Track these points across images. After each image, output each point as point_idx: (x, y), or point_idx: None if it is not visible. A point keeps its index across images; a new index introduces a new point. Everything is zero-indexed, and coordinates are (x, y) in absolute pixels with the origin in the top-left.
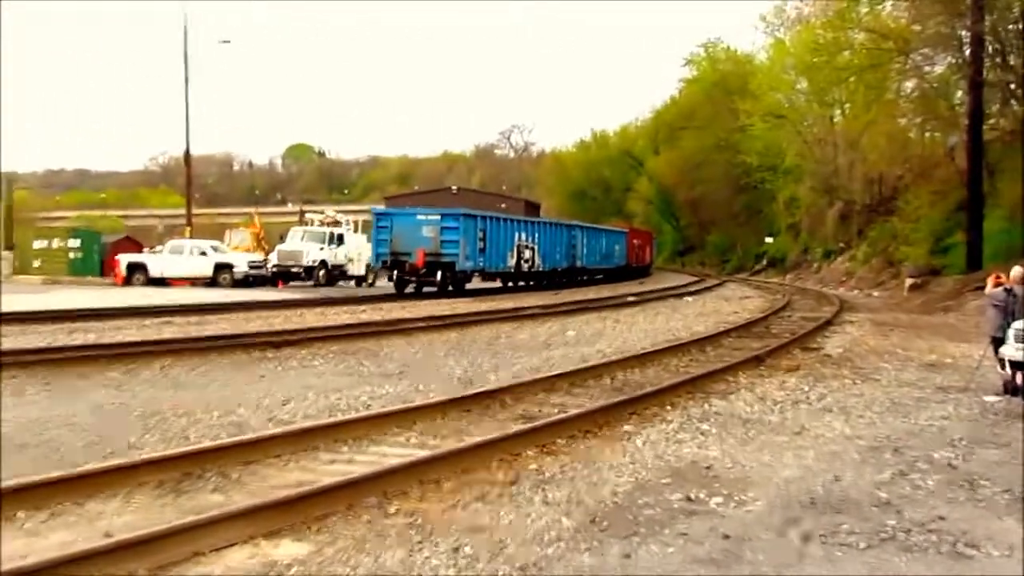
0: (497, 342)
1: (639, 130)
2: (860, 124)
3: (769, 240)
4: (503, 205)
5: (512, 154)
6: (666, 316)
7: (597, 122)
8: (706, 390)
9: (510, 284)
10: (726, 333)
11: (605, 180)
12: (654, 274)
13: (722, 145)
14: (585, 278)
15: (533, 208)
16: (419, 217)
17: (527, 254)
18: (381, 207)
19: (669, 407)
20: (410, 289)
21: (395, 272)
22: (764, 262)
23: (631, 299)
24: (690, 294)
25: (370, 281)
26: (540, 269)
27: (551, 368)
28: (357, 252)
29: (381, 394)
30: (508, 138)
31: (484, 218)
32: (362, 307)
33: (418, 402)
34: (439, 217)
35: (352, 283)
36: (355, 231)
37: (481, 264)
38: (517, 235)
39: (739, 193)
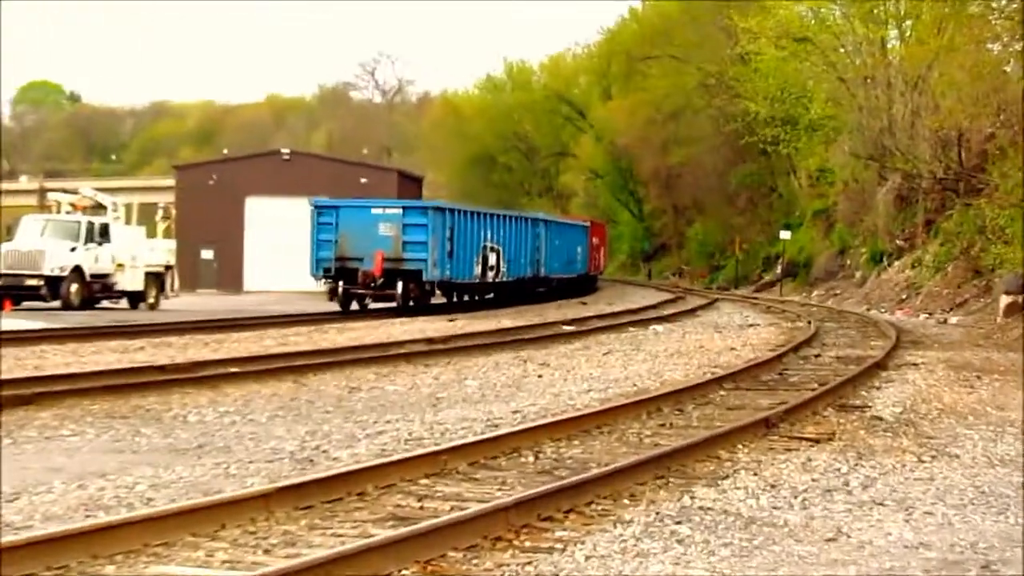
0: (352, 397)
1: (579, 62)
2: (928, 52)
3: (785, 235)
4: (363, 180)
5: (378, 98)
6: (623, 356)
7: (512, 50)
8: (686, 473)
9: (475, 298)
10: (717, 382)
11: (526, 140)
12: (601, 287)
13: (711, 85)
14: (543, 290)
15: (412, 183)
16: (375, 211)
17: (492, 259)
18: (323, 198)
19: (628, 500)
20: (355, 305)
21: (340, 284)
22: (778, 270)
23: (566, 329)
24: (660, 320)
25: (152, 300)
26: (505, 279)
27: (441, 438)
28: (131, 254)
29: (170, 481)
30: (372, 74)
31: (453, 212)
32: (183, 339)
33: (228, 493)
34: (401, 211)
35: (123, 302)
36: (128, 221)
37: (448, 273)
38: (483, 234)
39: (738, 161)
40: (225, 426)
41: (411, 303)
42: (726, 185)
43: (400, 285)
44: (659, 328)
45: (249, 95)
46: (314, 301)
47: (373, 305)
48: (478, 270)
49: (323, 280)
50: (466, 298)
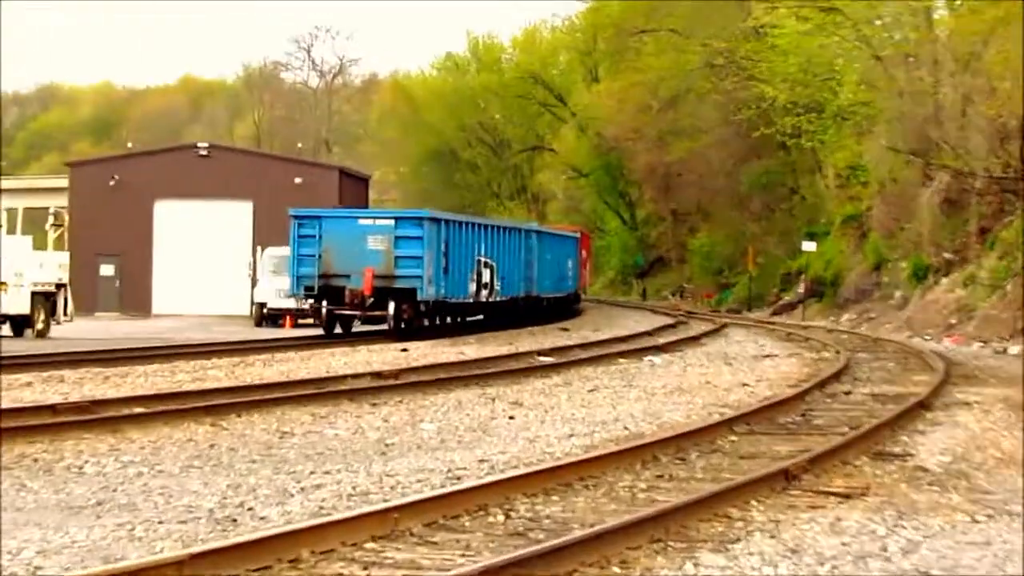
0: (283, 444)
1: (559, 37)
2: (983, 24)
3: (809, 247)
4: (298, 179)
5: (316, 81)
6: (612, 393)
7: (478, 23)
8: (688, 535)
9: (463, 321)
10: (727, 425)
11: (494, 131)
12: (586, 309)
13: (719, 65)
14: (533, 312)
15: (356, 183)
16: (363, 222)
17: (486, 276)
18: (304, 208)
19: (618, 568)
20: (338, 328)
21: (324, 304)
22: (800, 288)
23: (543, 360)
24: (657, 350)
25: (41, 326)
26: (499, 298)
27: (391, 493)
28: (15, 270)
29: (62, 545)
30: (307, 52)
31: (447, 223)
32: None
33: (133, 561)
34: (393, 222)
35: (5, 328)
36: (11, 229)
37: (443, 291)
38: (477, 247)
39: (751, 157)
40: (129, 479)
41: (403, 325)
42: (737, 186)
43: (392, 305)
44: (656, 360)
45: (158, 77)
46: (239, 326)
47: (359, 328)
48: (472, 288)
49: (304, 299)
50: (458, 320)
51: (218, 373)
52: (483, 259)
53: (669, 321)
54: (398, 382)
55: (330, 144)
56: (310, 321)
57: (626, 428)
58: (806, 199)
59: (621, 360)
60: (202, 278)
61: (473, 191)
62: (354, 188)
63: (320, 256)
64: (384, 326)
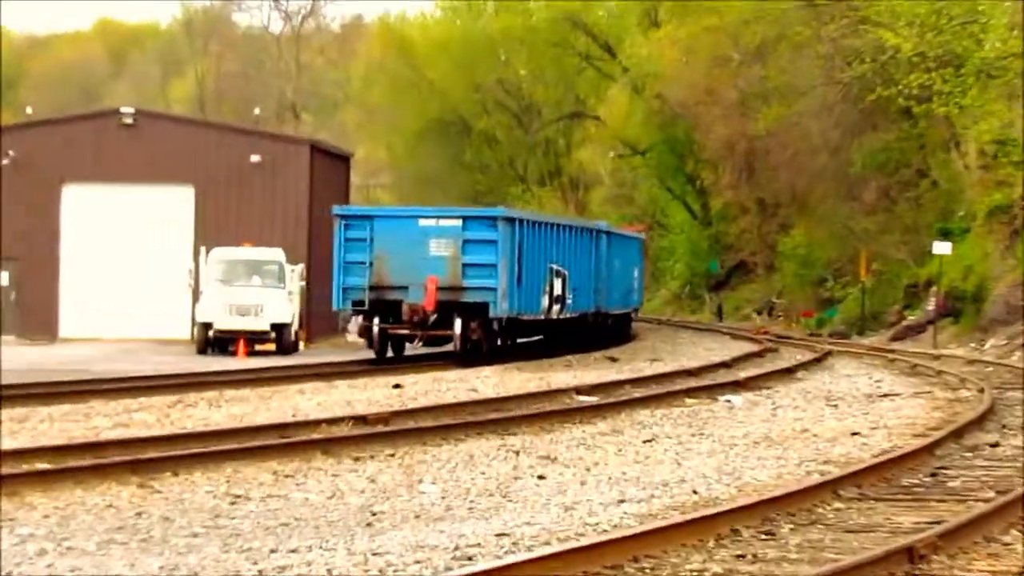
0: (235, 511)
1: None
2: None
3: (942, 249)
4: (255, 157)
5: (279, 26)
6: (675, 445)
7: None
8: None
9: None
10: (830, 487)
11: (518, 93)
12: (640, 332)
13: (822, 5)
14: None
15: (334, 163)
16: (423, 222)
17: (558, 287)
18: (352, 206)
19: None
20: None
21: (376, 321)
22: (930, 305)
23: (583, 400)
24: (737, 387)
25: None
26: (568, 314)
27: None
28: None
29: None
30: None
31: (521, 223)
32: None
33: None
34: (459, 222)
35: None
36: None
37: (517, 306)
38: (549, 253)
39: (864, 128)
40: (29, 558)
41: (483, 348)
42: (845, 168)
43: (458, 323)
44: (735, 400)
45: (69, 21)
46: (176, 354)
47: (413, 351)
48: (545, 302)
49: (352, 315)
50: (521, 341)
51: (148, 417)
52: (555, 267)
53: (753, 348)
54: (388, 429)
55: (298, 110)
56: (270, 347)
57: (695, 491)
58: (938, 185)
59: (688, 400)
60: (126, 290)
61: (490, 174)
62: (330, 169)
63: (371, 264)
64: (448, 347)
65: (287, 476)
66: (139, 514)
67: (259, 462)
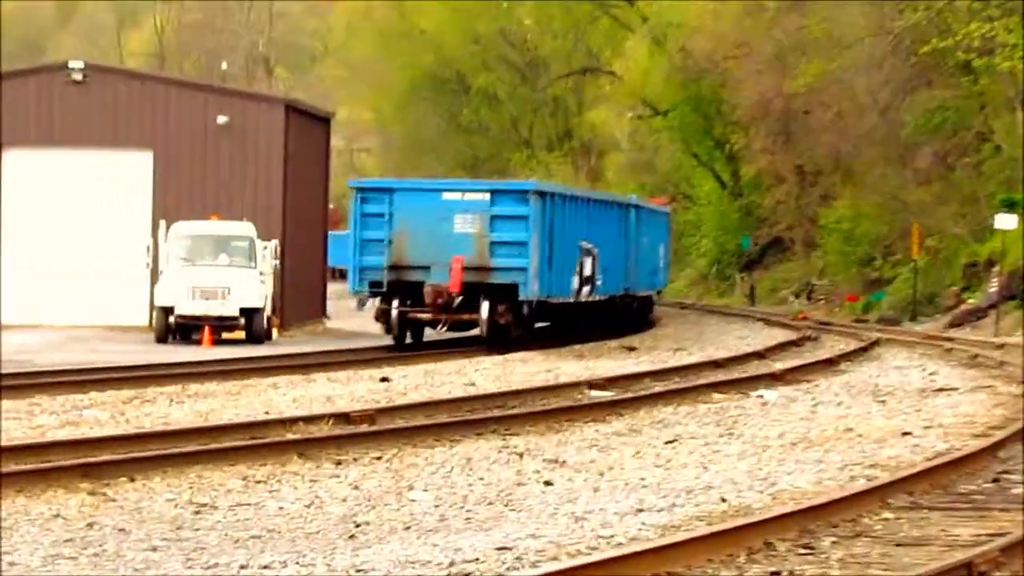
0: (200, 521)
1: None
2: None
3: (1007, 223)
4: (222, 118)
5: None
6: (701, 446)
7: None
8: None
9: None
10: (878, 494)
11: (521, 46)
12: (661, 317)
13: None
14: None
15: (312, 124)
16: (448, 196)
17: (588, 267)
18: (370, 179)
19: None
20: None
21: (395, 303)
22: (992, 287)
23: (596, 395)
24: (772, 380)
25: None
26: (596, 297)
27: None
28: None
29: None
30: None
31: (552, 197)
32: None
33: None
34: (487, 196)
35: None
36: None
37: (548, 288)
38: (579, 230)
39: (917, 85)
40: None
41: (513, 333)
42: (895, 130)
43: (486, 306)
44: (769, 395)
45: None
46: (133, 343)
47: (433, 336)
48: (575, 283)
49: (369, 297)
50: (544, 324)
51: (100, 415)
52: (586, 245)
53: (790, 336)
54: (374, 428)
55: (271, 64)
56: (239, 335)
57: (723, 499)
58: (1001, 150)
59: (716, 396)
60: (76, 270)
61: (491, 138)
62: (308, 132)
63: (391, 242)
64: (474, 332)
65: (259, 482)
66: (90, 525)
67: (227, 466)
